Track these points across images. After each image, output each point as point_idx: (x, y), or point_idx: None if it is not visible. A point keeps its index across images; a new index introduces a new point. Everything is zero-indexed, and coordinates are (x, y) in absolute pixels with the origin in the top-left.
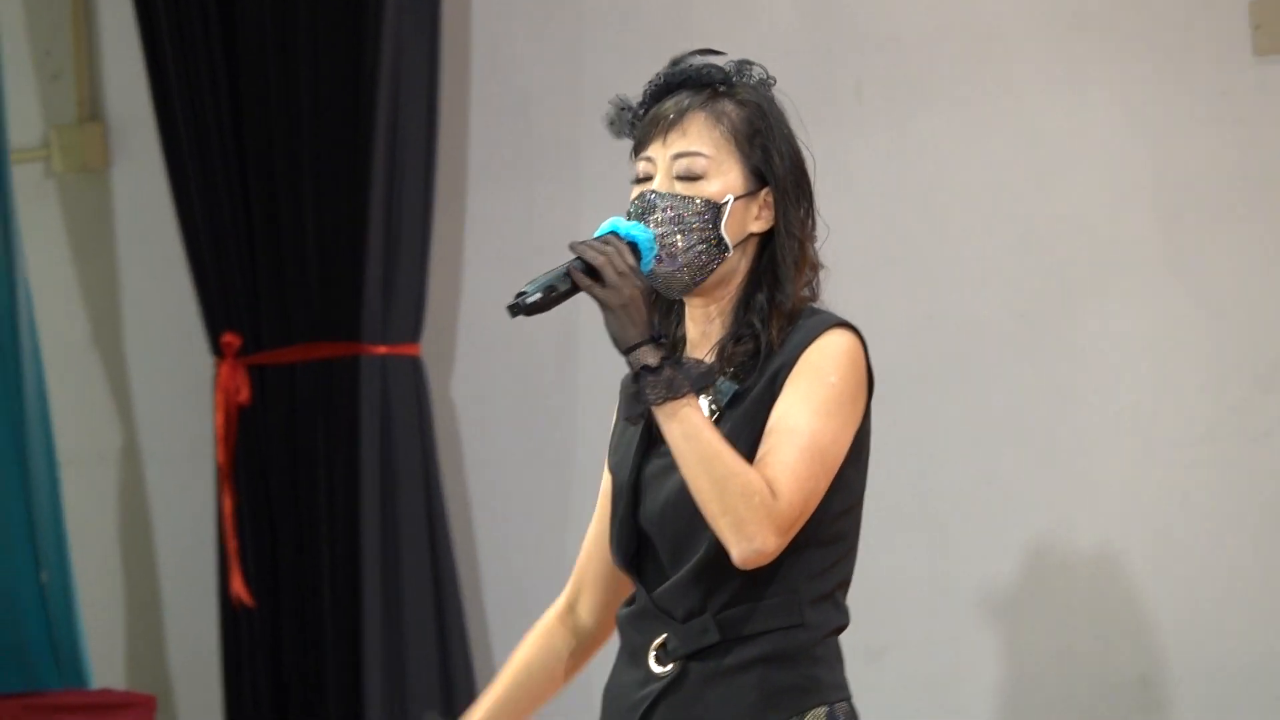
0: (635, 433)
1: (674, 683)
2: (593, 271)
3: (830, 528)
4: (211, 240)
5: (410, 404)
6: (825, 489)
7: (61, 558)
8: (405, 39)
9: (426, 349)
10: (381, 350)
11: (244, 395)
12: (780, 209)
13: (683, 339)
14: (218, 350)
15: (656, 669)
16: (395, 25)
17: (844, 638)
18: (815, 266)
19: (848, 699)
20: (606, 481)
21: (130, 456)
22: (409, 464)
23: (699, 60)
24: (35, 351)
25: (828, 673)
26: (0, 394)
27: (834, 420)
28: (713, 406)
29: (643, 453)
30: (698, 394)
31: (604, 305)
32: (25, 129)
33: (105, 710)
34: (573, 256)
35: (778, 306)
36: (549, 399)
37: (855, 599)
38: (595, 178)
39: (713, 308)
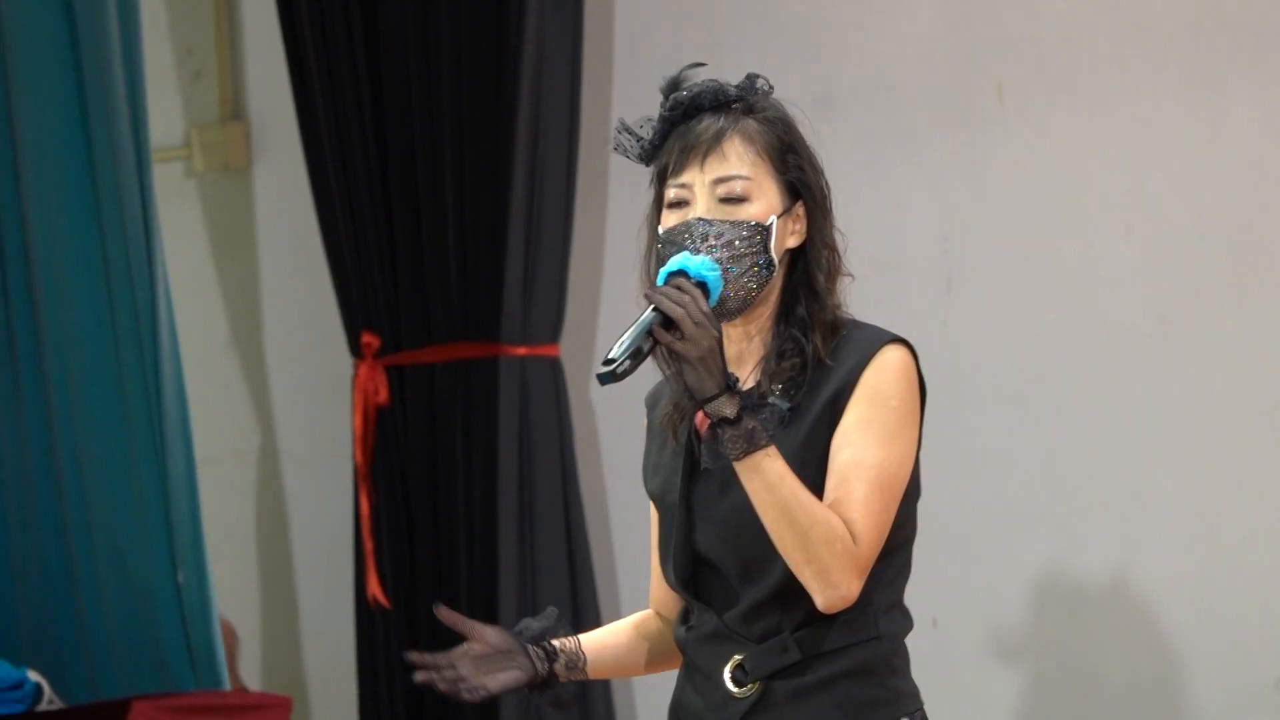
0: (673, 454)
1: (759, 703)
2: (669, 322)
3: (895, 537)
4: (352, 240)
5: (549, 405)
6: (894, 515)
7: (198, 558)
8: (547, 38)
9: (566, 350)
10: (521, 351)
11: (382, 396)
12: (813, 221)
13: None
14: (357, 350)
15: (734, 689)
16: (537, 24)
17: (978, 640)
18: (844, 273)
19: (922, 706)
20: (655, 496)
21: (268, 456)
22: (547, 465)
23: (709, 81)
24: (175, 351)
25: (904, 683)
26: (139, 393)
27: (898, 444)
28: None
29: (688, 476)
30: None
31: (683, 359)
32: (167, 128)
33: (240, 711)
34: (649, 305)
35: (818, 319)
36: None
37: (990, 603)
38: None
39: (752, 326)
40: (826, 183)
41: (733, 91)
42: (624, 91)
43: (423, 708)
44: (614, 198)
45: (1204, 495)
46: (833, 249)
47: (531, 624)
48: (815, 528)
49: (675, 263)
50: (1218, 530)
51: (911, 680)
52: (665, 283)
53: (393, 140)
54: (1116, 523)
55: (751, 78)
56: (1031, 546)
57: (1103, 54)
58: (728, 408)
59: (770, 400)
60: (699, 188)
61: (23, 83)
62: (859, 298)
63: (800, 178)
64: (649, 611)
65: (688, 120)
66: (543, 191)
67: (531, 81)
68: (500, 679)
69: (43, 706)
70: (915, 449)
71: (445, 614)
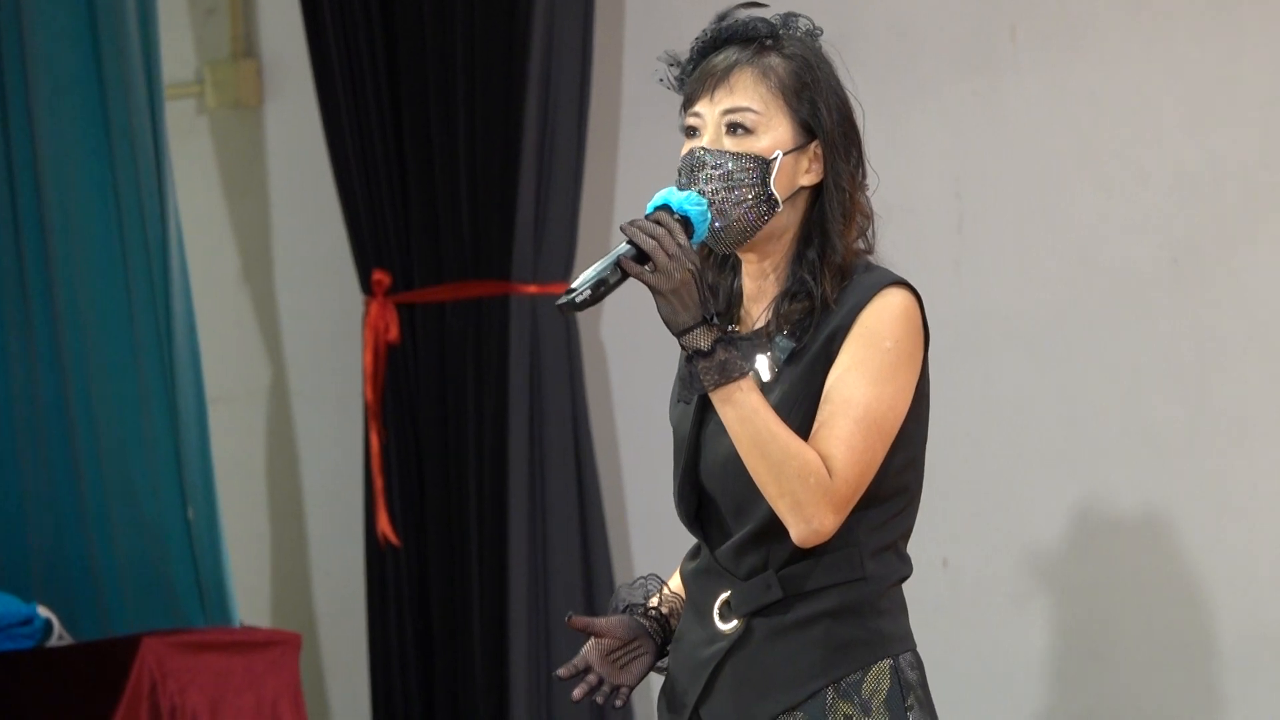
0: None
1: (740, 640)
2: (644, 256)
3: (892, 482)
4: (363, 178)
5: (560, 344)
6: (882, 455)
7: (209, 495)
8: None
9: None
10: (532, 290)
11: (393, 333)
12: (829, 162)
13: (739, 292)
14: (368, 288)
15: (721, 626)
16: None
17: (989, 582)
18: (868, 216)
19: (912, 649)
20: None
21: (279, 394)
22: (557, 404)
23: (744, 15)
24: (185, 288)
25: (891, 625)
26: (150, 330)
27: (890, 385)
28: (772, 365)
29: (702, 408)
30: (756, 354)
31: (655, 290)
32: (179, 65)
33: (250, 648)
34: (624, 239)
35: (828, 261)
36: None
37: (1002, 545)
38: None
39: (767, 263)
40: (852, 126)
41: (762, 27)
42: (636, 29)
43: (433, 645)
44: (625, 136)
45: (1219, 437)
46: (849, 192)
47: (630, 595)
48: (789, 461)
49: (660, 197)
50: (1234, 473)
51: (902, 623)
52: (649, 217)
53: (405, 78)
54: (1131, 465)
55: (791, 16)
56: (1046, 489)
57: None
58: (702, 340)
59: (776, 341)
60: (709, 117)
61: (35, 19)
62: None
63: (814, 115)
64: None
65: (715, 51)
66: (554, 130)
67: (544, 19)
68: (635, 671)
69: (53, 642)
70: (909, 393)
71: (577, 621)
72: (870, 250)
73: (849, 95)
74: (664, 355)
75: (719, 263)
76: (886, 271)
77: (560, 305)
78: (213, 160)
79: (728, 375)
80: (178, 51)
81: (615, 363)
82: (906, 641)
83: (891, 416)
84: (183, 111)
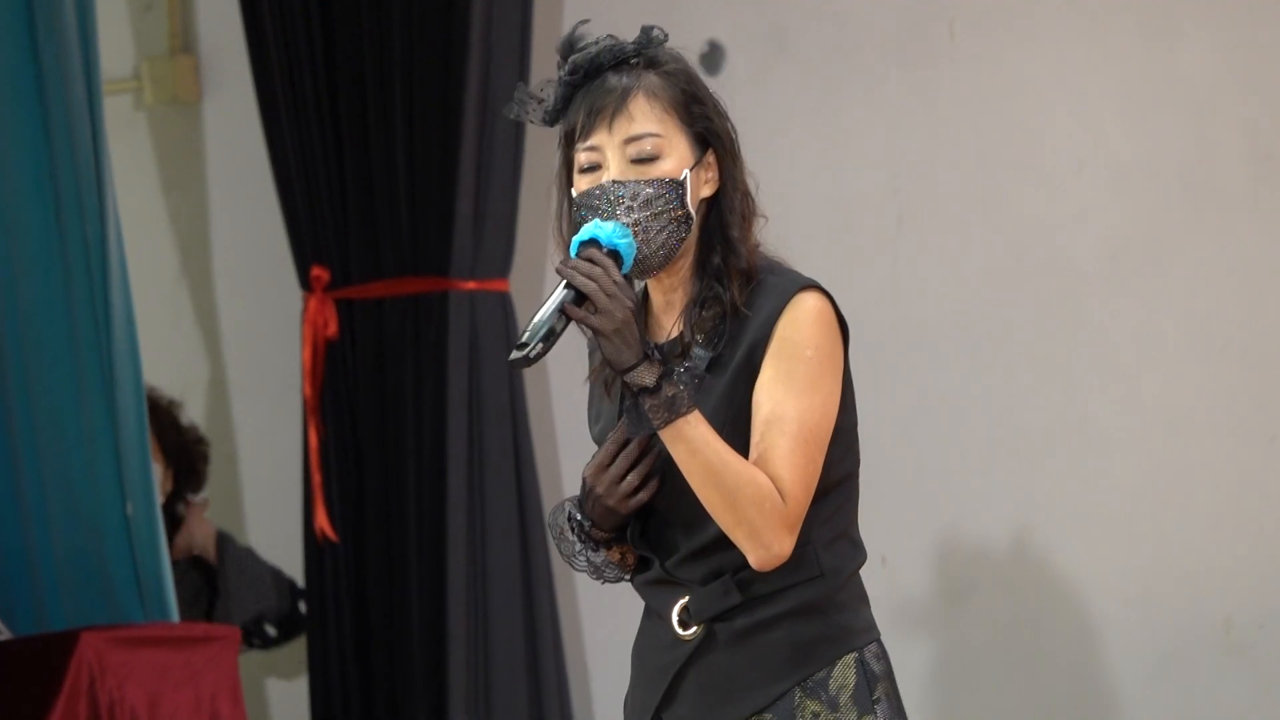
0: (611, 405)
1: (701, 645)
2: (582, 296)
3: (833, 474)
4: (301, 174)
5: (499, 340)
6: (821, 463)
7: (147, 490)
8: None
9: (515, 285)
10: (470, 286)
11: (332, 329)
12: (724, 168)
13: (645, 306)
14: (306, 284)
15: (681, 632)
16: None
17: (928, 578)
18: (758, 213)
19: (877, 639)
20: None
21: (217, 389)
22: (496, 400)
23: (603, 40)
24: (124, 283)
25: (854, 618)
26: (89, 325)
27: (818, 394)
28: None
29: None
30: (674, 363)
31: (598, 332)
32: (117, 60)
33: (189, 643)
34: (560, 282)
35: (733, 266)
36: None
37: (940, 541)
38: None
39: (675, 278)
40: (732, 126)
41: (630, 48)
42: (574, 21)
43: (371, 641)
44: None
45: (1155, 435)
46: (745, 193)
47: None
48: (742, 489)
49: (586, 231)
50: (1168, 470)
51: (864, 614)
52: (577, 253)
53: (343, 74)
54: (1067, 461)
55: (646, 30)
56: (983, 485)
57: None
58: (647, 377)
59: (693, 352)
60: (610, 149)
61: None
62: (811, 236)
63: (708, 127)
64: None
65: (589, 81)
66: (493, 125)
67: (483, 14)
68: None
69: None
70: (837, 395)
71: None
72: (758, 245)
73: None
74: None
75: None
76: (792, 275)
77: (513, 362)
78: (151, 156)
79: (676, 411)
80: (116, 47)
81: (554, 359)
82: (870, 633)
83: (825, 424)
84: (121, 107)
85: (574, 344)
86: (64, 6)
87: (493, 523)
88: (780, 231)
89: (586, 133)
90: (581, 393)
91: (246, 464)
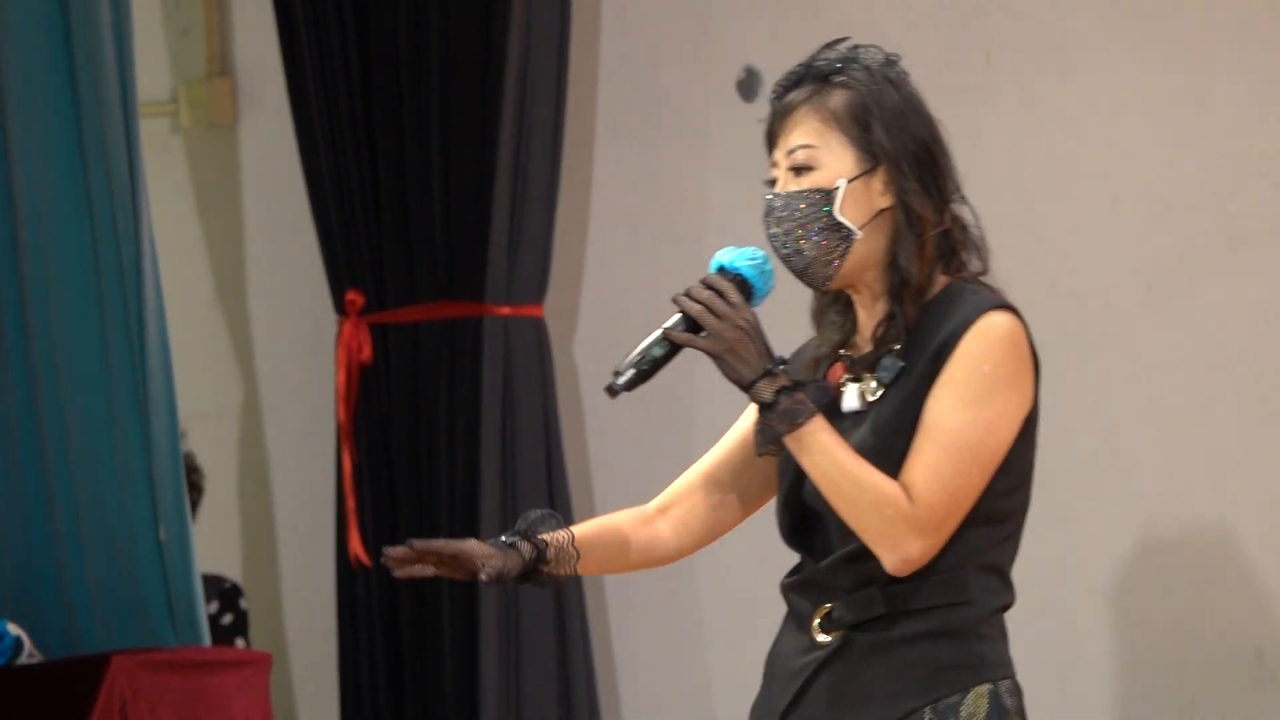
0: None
1: (837, 652)
2: (695, 323)
3: (999, 505)
4: (337, 197)
5: (533, 365)
6: (982, 481)
7: (180, 514)
8: None
9: (550, 310)
10: (505, 311)
11: (366, 354)
12: (895, 184)
13: (853, 324)
14: (341, 308)
15: (821, 637)
16: None
17: None
18: (960, 233)
19: (1012, 677)
20: (742, 422)
21: (251, 413)
22: (530, 425)
23: (821, 55)
24: (159, 306)
25: (991, 650)
26: (123, 349)
27: (985, 410)
28: (877, 385)
29: None
30: (866, 374)
31: (710, 354)
32: (154, 83)
33: (220, 667)
34: (676, 313)
35: (905, 282)
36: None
37: None
38: (721, 140)
39: (871, 291)
40: (924, 147)
41: (825, 66)
42: (611, 49)
43: (403, 667)
44: (600, 157)
45: (1189, 466)
46: (919, 213)
47: (527, 517)
48: (863, 495)
49: (715, 260)
50: (1201, 501)
51: (1002, 650)
52: (703, 281)
53: (379, 97)
54: (1099, 493)
55: (861, 48)
56: None
57: (1091, 22)
58: (765, 392)
59: (882, 362)
60: (781, 164)
61: (10, 37)
62: None
63: (872, 139)
64: (642, 510)
65: (778, 100)
66: (529, 150)
67: (520, 39)
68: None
69: (23, 659)
70: (1010, 417)
71: (417, 544)
72: (985, 270)
73: (929, 118)
74: None
75: (834, 299)
76: (988, 294)
77: (608, 388)
78: (187, 179)
79: (793, 422)
80: (153, 70)
81: (588, 384)
82: (1006, 668)
83: (988, 441)
84: (157, 130)
85: (607, 368)
86: (101, 29)
87: None
88: None
89: (769, 149)
90: (616, 416)
91: (280, 488)
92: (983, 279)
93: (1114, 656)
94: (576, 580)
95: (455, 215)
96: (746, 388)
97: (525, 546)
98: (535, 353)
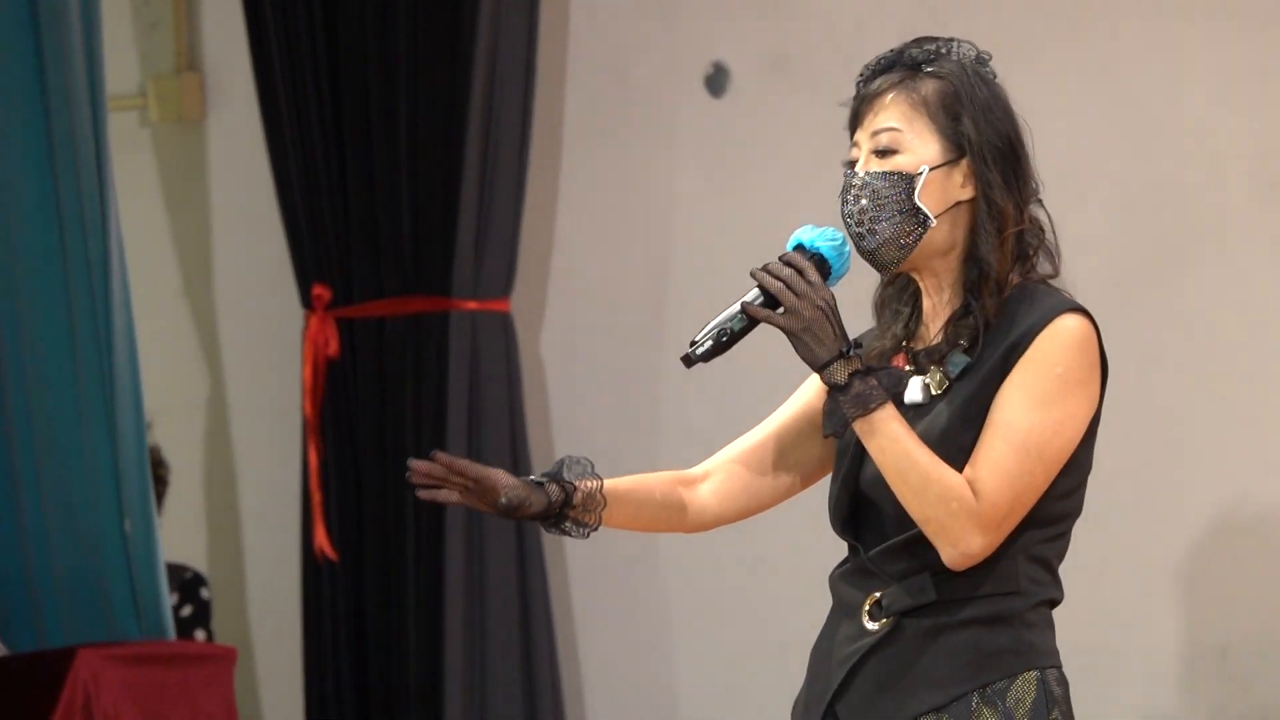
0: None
1: (887, 637)
2: (774, 299)
3: (1056, 506)
4: (305, 192)
5: (499, 360)
6: (1045, 481)
7: (145, 508)
8: None
9: (516, 305)
10: (472, 306)
11: (333, 348)
12: (979, 177)
13: (916, 313)
14: (308, 303)
15: (870, 625)
16: None
17: None
18: (1038, 234)
19: (1059, 667)
20: (800, 397)
21: (217, 407)
22: (496, 420)
23: (906, 48)
24: (126, 301)
25: (1040, 638)
26: (90, 343)
27: (1056, 411)
28: (942, 379)
29: None
30: (932, 367)
31: (786, 332)
32: (122, 78)
33: (185, 661)
34: (753, 285)
35: (986, 277)
36: (637, 357)
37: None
38: (689, 135)
39: (940, 280)
40: (1009, 144)
41: (918, 54)
42: (579, 45)
43: (368, 661)
44: (567, 153)
45: (1155, 460)
46: (1001, 207)
47: (561, 462)
48: (929, 487)
49: (794, 237)
50: (1168, 496)
51: (1049, 640)
52: (781, 258)
53: (347, 93)
54: None
55: (953, 41)
56: None
57: (1059, 19)
58: (839, 374)
59: (950, 357)
60: (863, 144)
61: None
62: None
63: (960, 131)
64: (683, 472)
65: (867, 85)
66: (496, 146)
67: (488, 35)
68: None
69: None
70: (1078, 419)
71: (443, 458)
72: (1055, 274)
73: (1017, 115)
74: (602, 372)
75: (900, 288)
76: (1063, 296)
77: (684, 358)
78: (155, 174)
79: (865, 407)
80: (121, 65)
81: (554, 379)
82: (1054, 658)
83: (1057, 443)
84: (126, 125)
85: (573, 363)
86: (70, 23)
87: (490, 542)
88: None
89: (851, 128)
90: (582, 410)
91: (246, 482)
92: (1053, 282)
93: (1077, 652)
94: (541, 577)
95: (422, 210)
96: (820, 368)
97: (553, 488)
98: (502, 348)
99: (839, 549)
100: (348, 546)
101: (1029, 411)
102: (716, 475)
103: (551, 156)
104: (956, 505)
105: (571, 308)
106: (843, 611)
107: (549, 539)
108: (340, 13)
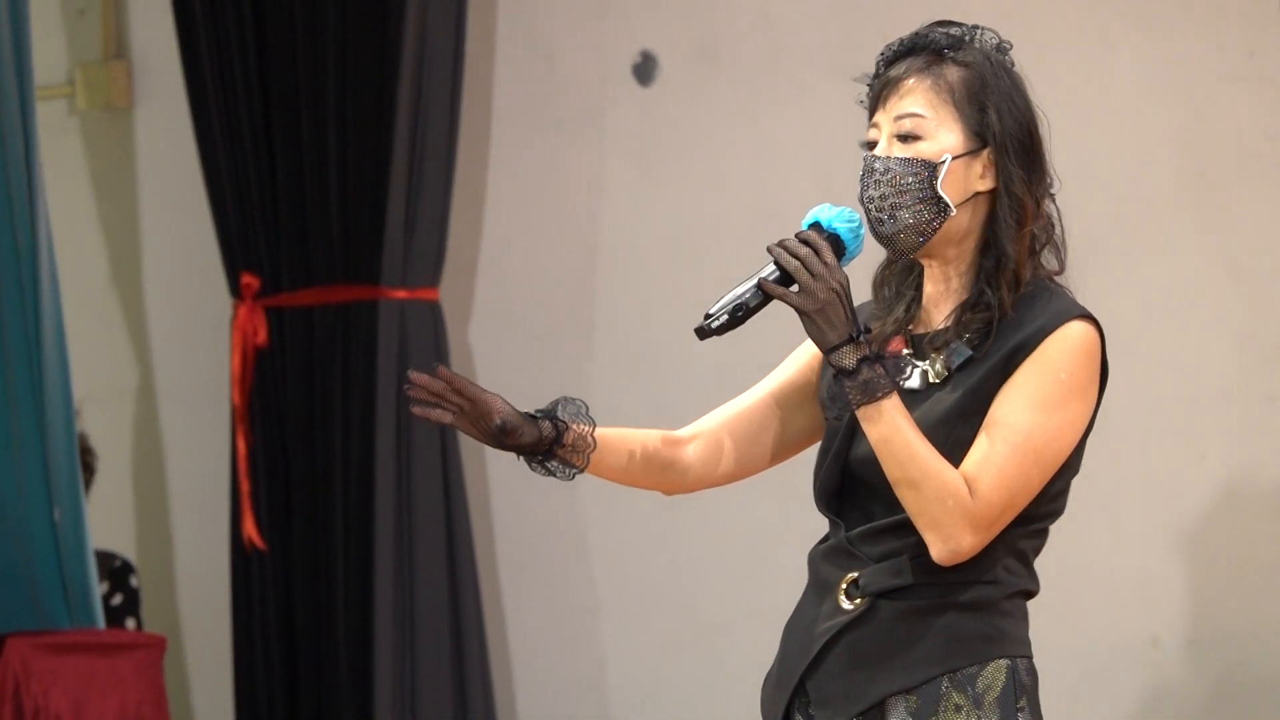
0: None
1: (862, 617)
2: (789, 277)
3: (1046, 507)
4: (233, 181)
5: (428, 349)
6: (1040, 484)
7: (75, 496)
8: None
9: (445, 293)
10: (401, 295)
11: (261, 337)
12: (1001, 168)
13: (918, 296)
14: (236, 291)
15: (845, 604)
16: None
17: None
18: (1050, 228)
19: (1030, 657)
20: (791, 365)
21: (146, 396)
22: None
23: (928, 32)
24: (55, 289)
25: (1013, 628)
26: (19, 332)
27: (1056, 416)
28: (942, 368)
29: None
30: (932, 354)
31: (800, 311)
32: (50, 66)
33: (115, 650)
34: (769, 260)
35: (1004, 269)
36: (565, 345)
37: None
38: (617, 123)
39: (949, 268)
40: (1030, 136)
41: (942, 39)
42: (508, 33)
43: (298, 650)
44: (496, 141)
45: (1088, 453)
46: (1021, 199)
47: (557, 401)
48: (928, 481)
49: (812, 215)
50: (1096, 485)
51: (1023, 630)
52: (798, 235)
53: (276, 81)
54: None
55: (971, 28)
56: None
57: (988, 8)
58: (849, 358)
59: (953, 346)
60: (884, 126)
61: None
62: (741, 245)
63: (985, 122)
64: (671, 432)
65: (890, 68)
66: (425, 134)
67: (416, 22)
68: (498, 415)
69: None
70: (1076, 426)
71: (445, 373)
72: (1061, 270)
73: (1035, 109)
74: (531, 359)
75: (904, 269)
76: (1072, 301)
77: (698, 330)
78: (83, 162)
79: (871, 394)
80: (49, 52)
81: (483, 367)
82: (1025, 647)
83: (1054, 447)
84: (53, 113)
85: (502, 350)
86: None
87: (420, 530)
88: (711, 240)
89: (872, 110)
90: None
91: (174, 471)
92: (1058, 279)
93: None
94: (470, 565)
95: (351, 199)
96: (830, 351)
97: (545, 424)
98: (431, 336)
99: (767, 532)
100: (276, 535)
101: (1031, 414)
102: (702, 439)
103: (480, 145)
104: (953, 503)
105: (500, 296)
106: (819, 589)
107: (478, 528)
108: (268, 1)
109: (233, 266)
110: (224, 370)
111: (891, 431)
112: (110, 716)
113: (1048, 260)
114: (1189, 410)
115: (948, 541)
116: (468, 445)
